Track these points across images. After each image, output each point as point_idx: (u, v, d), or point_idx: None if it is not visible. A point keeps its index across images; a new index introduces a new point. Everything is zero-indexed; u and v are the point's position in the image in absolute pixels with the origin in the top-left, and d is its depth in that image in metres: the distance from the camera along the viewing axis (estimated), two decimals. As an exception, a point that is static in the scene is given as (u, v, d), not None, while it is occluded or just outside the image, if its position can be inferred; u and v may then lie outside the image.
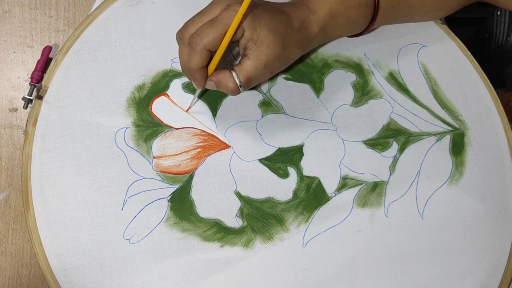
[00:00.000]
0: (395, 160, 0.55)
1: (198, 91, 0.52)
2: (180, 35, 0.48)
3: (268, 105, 0.55)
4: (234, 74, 0.47)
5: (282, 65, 0.50)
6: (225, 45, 0.46)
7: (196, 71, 0.47)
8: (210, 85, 0.49)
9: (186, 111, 0.53)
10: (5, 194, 0.59)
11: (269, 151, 0.54)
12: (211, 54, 0.47)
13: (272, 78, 0.56)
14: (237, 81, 0.47)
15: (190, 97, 0.54)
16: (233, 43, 0.48)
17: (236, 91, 0.48)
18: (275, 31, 0.47)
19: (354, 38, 0.58)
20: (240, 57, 0.49)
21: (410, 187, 0.54)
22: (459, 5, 0.58)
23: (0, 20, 0.62)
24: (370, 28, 0.55)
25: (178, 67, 0.55)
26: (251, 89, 0.55)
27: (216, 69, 0.48)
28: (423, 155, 0.56)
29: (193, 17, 0.48)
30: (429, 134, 0.56)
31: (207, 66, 0.48)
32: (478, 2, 0.60)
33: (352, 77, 0.57)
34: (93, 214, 0.50)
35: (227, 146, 0.53)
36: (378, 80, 0.57)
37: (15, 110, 0.61)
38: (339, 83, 0.57)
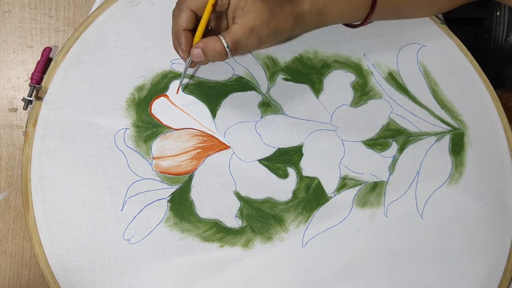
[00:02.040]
0: (394, 160, 0.55)
1: (186, 64, 0.51)
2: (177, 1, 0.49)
3: (267, 106, 0.55)
4: (221, 37, 0.47)
5: (271, 34, 0.49)
6: (209, 7, 0.46)
7: (180, 32, 0.47)
8: (197, 54, 0.48)
9: (177, 92, 0.53)
10: (5, 194, 0.59)
11: (268, 151, 0.54)
12: (197, 20, 0.47)
13: (272, 78, 0.56)
14: (224, 43, 0.47)
15: (189, 98, 0.54)
16: (222, 14, 0.48)
17: (224, 54, 0.48)
18: None
19: (354, 37, 0.58)
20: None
21: (410, 187, 0.54)
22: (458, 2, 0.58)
23: (0, 20, 0.62)
24: (369, 17, 0.54)
25: (177, 68, 0.55)
26: (249, 89, 0.55)
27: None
28: (423, 155, 0.56)
29: None
30: (429, 134, 0.56)
31: (192, 34, 0.48)
32: (478, 2, 0.60)
33: (352, 77, 0.57)
34: (93, 214, 0.50)
35: (226, 147, 0.53)
36: (377, 80, 0.57)
37: (15, 110, 0.61)
38: (339, 84, 0.57)
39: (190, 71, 0.55)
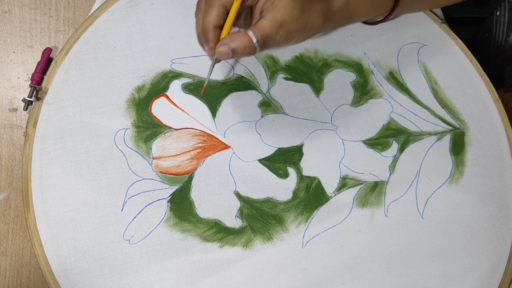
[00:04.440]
0: (395, 160, 0.55)
1: (213, 62, 0.48)
2: (198, 1, 0.47)
3: (267, 105, 0.55)
4: (250, 32, 0.45)
5: (300, 30, 0.47)
6: (238, 2, 0.45)
7: (211, 29, 0.46)
8: (224, 52, 0.46)
9: (202, 92, 0.53)
10: (5, 194, 0.59)
11: (268, 151, 0.54)
12: (226, 15, 0.46)
13: (272, 77, 0.56)
14: (253, 38, 0.45)
15: (189, 98, 0.54)
16: (250, 8, 0.47)
17: (253, 49, 0.45)
18: None
19: (354, 36, 0.58)
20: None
21: (410, 186, 0.54)
22: None
23: (0, 20, 0.62)
24: (392, 12, 0.53)
25: (177, 68, 0.55)
26: (249, 89, 0.55)
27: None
28: (423, 154, 0.55)
29: None
30: (429, 134, 0.56)
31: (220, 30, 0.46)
32: (478, 1, 0.60)
33: (352, 76, 0.57)
34: (93, 215, 0.50)
35: (226, 147, 0.53)
36: (378, 80, 0.57)
37: (15, 110, 0.61)
38: (339, 83, 0.57)
39: (190, 70, 0.55)
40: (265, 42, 0.46)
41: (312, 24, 0.47)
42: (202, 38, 0.47)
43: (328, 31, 0.54)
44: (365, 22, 0.57)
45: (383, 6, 0.53)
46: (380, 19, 0.55)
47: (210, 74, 0.49)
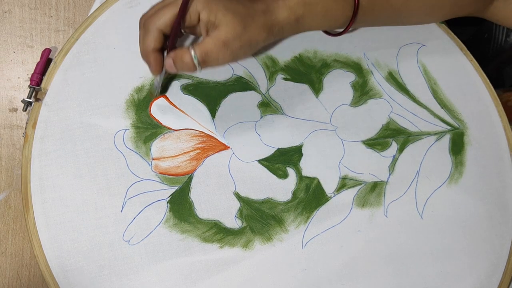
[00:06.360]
0: (394, 160, 0.55)
1: (158, 77, 0.50)
2: (140, 20, 0.48)
3: (267, 106, 0.55)
4: (191, 49, 0.46)
5: (244, 46, 0.48)
6: (177, 25, 0.45)
7: (149, 53, 0.47)
8: (168, 64, 0.48)
9: (151, 103, 0.53)
10: (5, 194, 0.59)
11: (268, 151, 0.54)
12: (166, 38, 0.47)
13: (271, 78, 0.56)
14: (192, 54, 0.46)
15: (189, 98, 0.54)
16: (193, 29, 0.48)
17: (192, 66, 0.47)
18: (235, 11, 0.46)
19: (354, 36, 0.58)
20: None
21: (410, 187, 0.54)
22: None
23: (0, 20, 0.62)
24: (350, 26, 0.53)
25: (177, 68, 0.55)
26: (248, 89, 0.55)
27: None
28: (423, 154, 0.56)
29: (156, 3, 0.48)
30: (429, 134, 0.56)
31: (162, 51, 0.48)
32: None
33: (351, 76, 0.57)
34: (93, 215, 0.50)
35: (226, 147, 0.53)
36: (377, 80, 0.57)
37: (15, 110, 0.61)
38: (338, 83, 0.57)
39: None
40: (205, 60, 0.46)
41: (257, 39, 0.48)
42: (144, 59, 0.48)
43: (277, 40, 0.54)
44: (327, 33, 0.57)
45: (337, 20, 0.52)
46: (340, 31, 0.55)
47: (159, 90, 0.52)
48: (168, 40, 0.48)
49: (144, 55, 0.48)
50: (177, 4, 0.45)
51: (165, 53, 0.48)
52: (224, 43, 0.46)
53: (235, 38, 0.46)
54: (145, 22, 0.46)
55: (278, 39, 0.51)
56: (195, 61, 0.46)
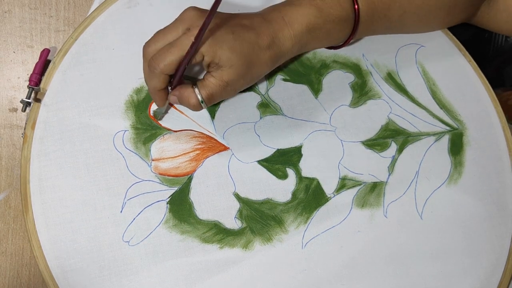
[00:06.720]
0: (393, 161, 0.55)
1: (164, 107, 0.51)
2: (143, 52, 0.48)
3: (266, 107, 0.55)
4: (196, 90, 0.47)
5: (247, 83, 0.49)
6: (182, 70, 0.46)
7: (155, 92, 0.48)
8: (173, 99, 0.49)
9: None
10: (5, 194, 0.59)
11: (267, 152, 0.54)
12: (168, 78, 0.47)
13: (270, 79, 0.56)
14: (199, 97, 0.47)
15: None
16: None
17: (198, 107, 0.48)
18: (240, 52, 0.45)
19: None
20: (205, 72, 0.48)
21: (409, 187, 0.54)
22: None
23: (0, 20, 0.62)
24: (349, 41, 0.53)
25: (176, 69, 0.55)
26: (248, 90, 0.55)
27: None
28: (422, 155, 0.56)
29: (156, 33, 0.47)
30: (428, 134, 0.56)
31: (168, 86, 0.48)
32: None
33: (351, 77, 0.57)
34: (92, 216, 0.50)
35: (225, 148, 0.53)
36: (376, 81, 0.57)
37: (15, 110, 0.61)
38: (338, 84, 0.57)
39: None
40: (210, 100, 0.48)
41: (260, 73, 0.49)
42: (151, 95, 0.50)
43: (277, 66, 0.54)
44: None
45: (338, 39, 0.53)
46: (335, 46, 0.55)
47: (163, 116, 0.53)
48: (172, 78, 0.48)
49: (151, 93, 0.49)
50: (181, 48, 0.45)
51: (169, 88, 0.49)
52: (227, 83, 0.47)
53: (239, 79, 0.47)
54: (150, 64, 0.46)
55: (279, 64, 0.51)
56: (203, 105, 0.48)
